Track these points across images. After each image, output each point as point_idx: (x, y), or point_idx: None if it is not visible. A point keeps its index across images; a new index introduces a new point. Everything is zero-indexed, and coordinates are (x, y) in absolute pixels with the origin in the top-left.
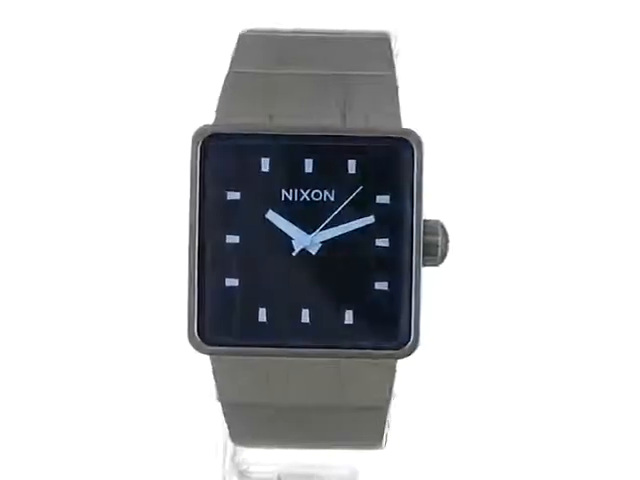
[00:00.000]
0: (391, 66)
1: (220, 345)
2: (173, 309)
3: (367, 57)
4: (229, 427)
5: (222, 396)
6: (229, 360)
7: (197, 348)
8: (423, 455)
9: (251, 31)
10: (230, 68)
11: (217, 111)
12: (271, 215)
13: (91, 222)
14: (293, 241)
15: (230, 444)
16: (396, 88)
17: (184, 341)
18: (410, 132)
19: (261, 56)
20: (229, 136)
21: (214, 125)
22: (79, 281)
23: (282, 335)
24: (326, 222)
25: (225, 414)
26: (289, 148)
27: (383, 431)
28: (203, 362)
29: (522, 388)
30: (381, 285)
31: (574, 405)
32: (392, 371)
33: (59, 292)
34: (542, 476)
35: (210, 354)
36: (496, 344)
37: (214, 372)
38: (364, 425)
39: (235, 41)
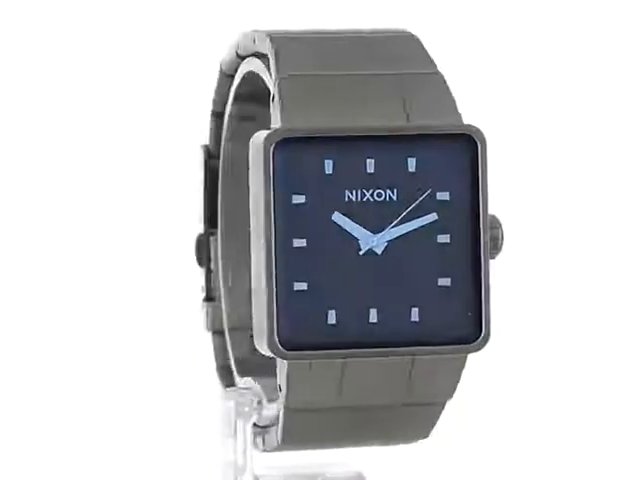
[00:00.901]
0: (434, 64)
1: (298, 350)
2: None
3: (407, 56)
4: (284, 431)
5: (290, 402)
6: (301, 365)
7: (279, 355)
8: (429, 454)
9: (276, 33)
10: (278, 72)
11: (282, 115)
12: (337, 217)
13: (93, 222)
14: (359, 242)
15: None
16: (447, 85)
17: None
18: (474, 128)
19: (306, 58)
20: (296, 139)
21: (284, 129)
22: (81, 281)
23: (353, 336)
24: (391, 221)
25: (285, 419)
26: (351, 149)
27: (436, 423)
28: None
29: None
30: (444, 281)
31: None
32: (462, 366)
33: (59, 292)
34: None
35: (292, 359)
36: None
37: (288, 378)
38: (421, 419)
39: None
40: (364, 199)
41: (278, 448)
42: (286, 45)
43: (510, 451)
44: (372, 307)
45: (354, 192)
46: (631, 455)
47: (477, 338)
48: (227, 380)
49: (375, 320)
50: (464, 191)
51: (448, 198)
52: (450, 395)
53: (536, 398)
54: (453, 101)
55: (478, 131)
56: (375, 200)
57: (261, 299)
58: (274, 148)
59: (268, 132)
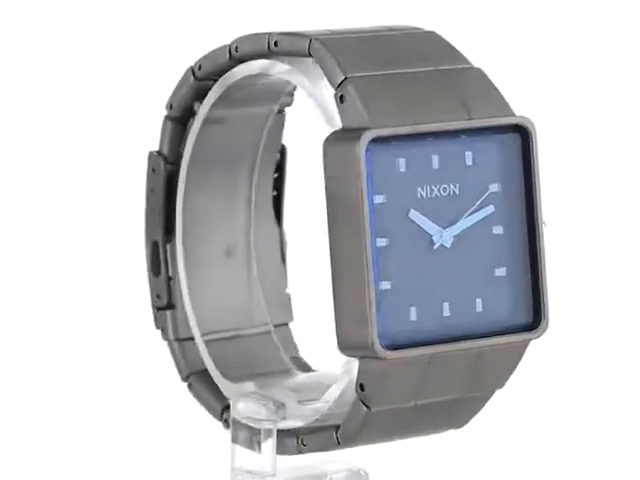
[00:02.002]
0: (467, 59)
1: (393, 349)
2: None
3: (441, 53)
4: (348, 431)
5: (374, 401)
6: (394, 364)
7: (376, 356)
8: (431, 454)
9: (318, 35)
10: (343, 73)
11: (355, 115)
12: (413, 214)
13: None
14: (432, 237)
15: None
16: (489, 79)
17: None
18: (527, 119)
19: (361, 58)
20: (375, 140)
21: (371, 130)
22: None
23: (433, 332)
24: (458, 215)
25: (356, 418)
26: (419, 146)
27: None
28: None
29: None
30: (500, 271)
31: None
32: (520, 355)
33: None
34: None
35: (391, 359)
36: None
37: (377, 377)
38: (470, 410)
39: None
40: (432, 195)
41: (326, 449)
42: (338, 46)
43: (510, 451)
44: (445, 301)
45: (424, 188)
46: None
47: (537, 326)
48: (200, 387)
49: (448, 314)
50: (515, 181)
51: (500, 189)
52: (502, 385)
53: (535, 398)
54: (500, 93)
55: (530, 121)
56: (442, 195)
57: (352, 302)
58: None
59: (351, 133)
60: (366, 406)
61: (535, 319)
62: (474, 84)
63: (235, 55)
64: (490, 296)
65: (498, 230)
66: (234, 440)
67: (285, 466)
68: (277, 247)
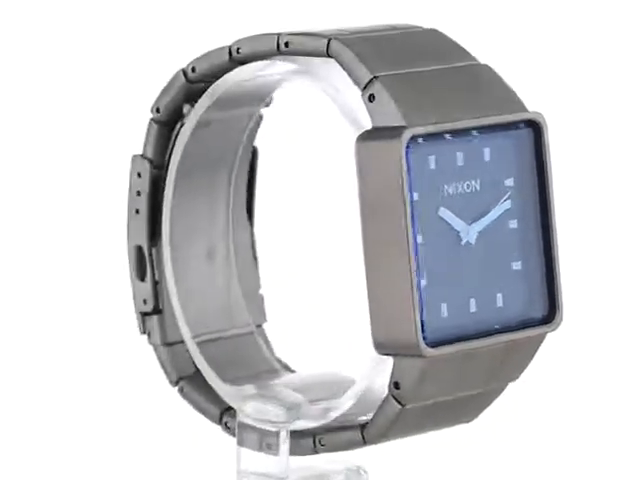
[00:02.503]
0: (474, 56)
1: (434, 346)
2: None
3: (450, 50)
4: (374, 425)
5: (410, 398)
6: (433, 361)
7: (419, 353)
8: (430, 453)
9: (334, 35)
10: (372, 72)
11: (388, 114)
12: (442, 212)
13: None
14: (460, 233)
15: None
16: (499, 75)
17: None
18: (540, 115)
19: (384, 57)
20: (412, 138)
21: (408, 128)
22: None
23: (462, 328)
24: (481, 211)
25: (390, 416)
26: (447, 144)
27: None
28: None
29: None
30: (517, 265)
31: None
32: (537, 348)
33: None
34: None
35: (432, 356)
36: None
37: (407, 376)
38: (483, 403)
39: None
40: (457, 192)
41: (349, 448)
42: (359, 46)
43: (512, 448)
44: (471, 297)
45: (450, 185)
46: None
47: (553, 319)
48: (193, 391)
49: (475, 309)
50: (528, 176)
51: (514, 184)
52: (516, 378)
53: (534, 399)
54: (512, 89)
55: (542, 116)
56: (465, 192)
57: (391, 300)
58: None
59: (388, 132)
60: (400, 403)
61: (550, 312)
62: (487, 81)
63: (236, 57)
64: (509, 290)
65: (513, 224)
66: (240, 443)
67: (269, 468)
68: (250, 248)
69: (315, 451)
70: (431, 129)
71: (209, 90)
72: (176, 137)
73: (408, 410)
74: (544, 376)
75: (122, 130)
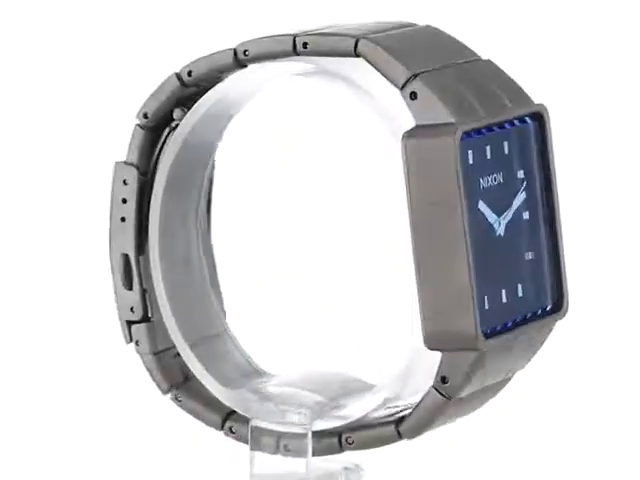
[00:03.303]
0: (475, 52)
1: (487, 338)
2: None
3: (455, 46)
4: (414, 420)
5: (455, 393)
6: (476, 354)
7: (478, 347)
8: (426, 451)
9: (366, 37)
10: (411, 70)
11: (433, 111)
12: (481, 205)
13: None
14: (493, 226)
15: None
16: (502, 69)
17: None
18: (544, 107)
19: (415, 55)
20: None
21: (459, 124)
22: None
23: (500, 319)
24: (507, 203)
25: (425, 412)
26: (480, 139)
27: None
28: None
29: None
30: (530, 255)
31: None
32: (547, 336)
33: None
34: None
35: (488, 349)
36: None
37: (457, 369)
38: (493, 392)
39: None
40: (488, 185)
41: (382, 444)
42: (389, 44)
43: (509, 447)
44: (503, 288)
45: (484, 179)
46: None
47: (560, 308)
48: (190, 399)
49: (505, 300)
50: (535, 168)
51: (524, 176)
52: (524, 367)
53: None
54: (517, 83)
55: (545, 108)
56: (493, 184)
57: (446, 295)
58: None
59: (439, 128)
60: (445, 397)
61: (558, 301)
62: (495, 75)
63: (242, 59)
64: (526, 281)
65: (526, 216)
66: (255, 447)
67: (284, 470)
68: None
69: (340, 450)
70: (475, 125)
71: (210, 93)
72: (164, 142)
73: (451, 402)
74: (547, 368)
75: (89, 137)
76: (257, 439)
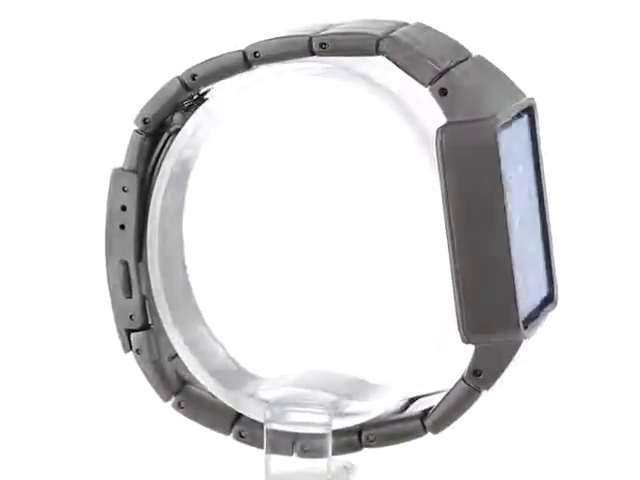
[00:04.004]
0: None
1: (525, 328)
2: None
3: (451, 43)
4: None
5: (487, 385)
6: (512, 345)
7: (519, 337)
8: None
9: (388, 35)
10: (439, 66)
11: (477, 104)
12: (507, 196)
13: None
14: (514, 218)
15: None
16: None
17: None
18: (534, 100)
19: (441, 50)
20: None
21: (497, 117)
22: None
23: (524, 310)
24: (521, 196)
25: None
26: (504, 132)
27: None
28: None
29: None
30: (530, 247)
31: None
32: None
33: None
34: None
35: (526, 338)
36: None
37: (491, 361)
38: None
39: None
40: (507, 177)
41: (406, 439)
42: (413, 42)
43: (502, 447)
44: (519, 279)
45: (509, 171)
46: None
47: (553, 299)
48: (194, 405)
49: (525, 291)
50: (528, 161)
51: (522, 170)
52: None
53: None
54: (509, 76)
55: (535, 101)
56: (511, 177)
57: (489, 287)
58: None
59: (475, 123)
60: (477, 390)
61: (550, 292)
62: (491, 70)
63: (252, 60)
64: (529, 272)
65: (528, 208)
66: (271, 450)
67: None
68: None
69: (359, 448)
70: (505, 119)
71: (215, 94)
72: (162, 147)
73: (481, 395)
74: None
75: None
76: (273, 442)
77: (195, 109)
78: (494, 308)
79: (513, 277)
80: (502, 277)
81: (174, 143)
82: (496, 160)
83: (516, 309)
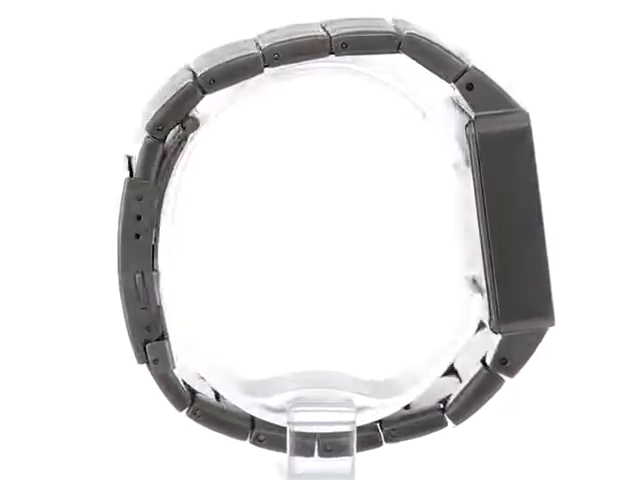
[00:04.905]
0: None
1: None
2: None
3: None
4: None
5: (513, 372)
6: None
7: (552, 322)
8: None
9: (411, 35)
10: (463, 62)
11: (504, 97)
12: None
13: None
14: None
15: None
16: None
17: None
18: None
19: (453, 48)
20: None
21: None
22: None
23: None
24: None
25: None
26: None
27: None
28: None
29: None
30: None
31: None
32: None
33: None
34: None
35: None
36: None
37: (518, 349)
38: None
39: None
40: None
41: (428, 431)
42: (433, 39)
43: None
44: None
45: None
46: None
47: None
48: (213, 413)
49: None
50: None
51: None
52: None
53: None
54: None
55: None
56: None
57: (526, 276)
58: None
59: (507, 116)
60: (500, 379)
61: None
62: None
63: (272, 61)
64: None
65: None
66: (295, 452)
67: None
68: None
69: (381, 443)
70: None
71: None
72: (173, 153)
73: (504, 383)
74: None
75: None
76: (296, 443)
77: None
78: (529, 295)
79: (547, 263)
80: (537, 264)
81: (189, 150)
82: (531, 149)
83: (550, 295)
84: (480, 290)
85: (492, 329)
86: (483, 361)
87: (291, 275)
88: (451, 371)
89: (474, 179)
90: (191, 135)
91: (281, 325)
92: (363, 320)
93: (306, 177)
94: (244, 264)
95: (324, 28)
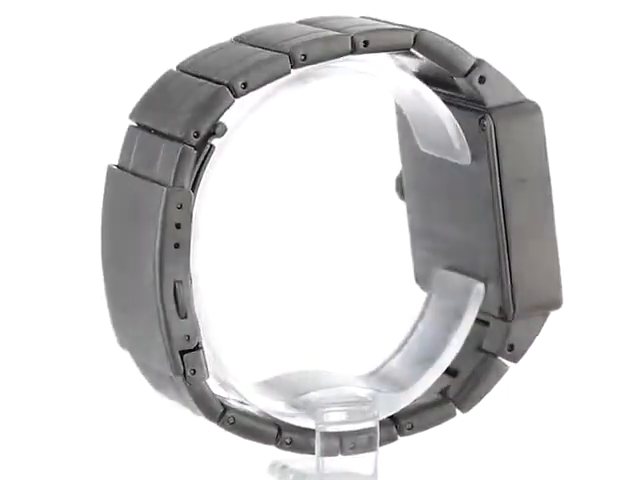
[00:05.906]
0: None
1: None
2: None
3: None
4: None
5: (519, 357)
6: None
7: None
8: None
9: (424, 31)
10: (473, 56)
11: (515, 89)
12: None
13: None
14: None
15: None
16: None
17: None
18: None
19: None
20: None
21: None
22: None
23: None
24: None
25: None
26: None
27: None
28: None
29: None
30: None
31: None
32: None
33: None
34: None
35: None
36: None
37: (526, 335)
38: None
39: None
40: None
41: (439, 422)
42: (442, 36)
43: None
44: None
45: None
46: None
47: None
48: (245, 420)
49: None
50: None
51: None
52: None
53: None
54: None
55: None
56: None
57: (541, 262)
58: None
59: (520, 106)
60: (505, 365)
61: None
62: None
63: (301, 62)
64: None
65: None
66: (324, 453)
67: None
68: None
69: (396, 437)
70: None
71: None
72: (204, 159)
73: (508, 369)
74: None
75: None
76: (325, 444)
77: None
78: (542, 281)
79: (557, 244)
80: (549, 245)
81: (223, 156)
82: (544, 138)
83: (559, 280)
84: (481, 279)
85: (504, 317)
86: (480, 349)
87: (304, 278)
88: None
89: (490, 170)
90: (218, 141)
91: (292, 325)
92: (373, 319)
93: (329, 183)
94: (261, 269)
95: (327, 28)
